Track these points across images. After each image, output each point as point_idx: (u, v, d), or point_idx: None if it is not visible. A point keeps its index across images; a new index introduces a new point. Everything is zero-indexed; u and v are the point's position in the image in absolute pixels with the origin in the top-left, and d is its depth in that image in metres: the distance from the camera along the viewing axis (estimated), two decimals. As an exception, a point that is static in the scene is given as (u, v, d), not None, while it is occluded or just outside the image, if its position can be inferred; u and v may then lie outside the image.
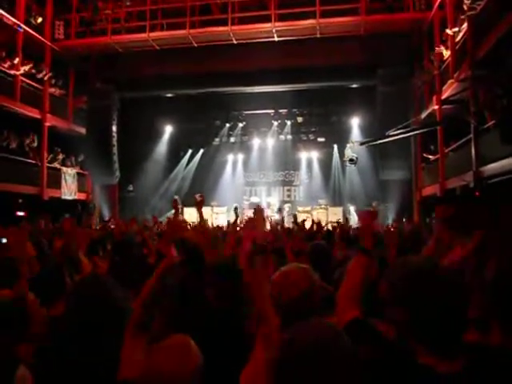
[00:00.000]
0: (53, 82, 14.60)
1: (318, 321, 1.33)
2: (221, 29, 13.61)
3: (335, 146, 17.84)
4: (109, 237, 5.85)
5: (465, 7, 10.06)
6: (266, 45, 13.98)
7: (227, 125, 18.54)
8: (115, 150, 15.02)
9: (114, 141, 15.00)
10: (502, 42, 8.43)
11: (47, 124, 14.04)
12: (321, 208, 16.58)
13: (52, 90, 14.53)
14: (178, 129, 18.45)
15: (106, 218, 14.96)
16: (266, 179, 19.20)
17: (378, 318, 2.19)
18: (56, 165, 14.59)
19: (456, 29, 10.81)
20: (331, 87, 14.95)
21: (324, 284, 2.18)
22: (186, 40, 13.90)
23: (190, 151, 19.01)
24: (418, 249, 3.49)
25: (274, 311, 1.54)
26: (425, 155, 14.27)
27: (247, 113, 18.01)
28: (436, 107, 12.40)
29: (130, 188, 17.15)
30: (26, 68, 13.00)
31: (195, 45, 14.06)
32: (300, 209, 16.67)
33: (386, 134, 11.61)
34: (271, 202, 17.97)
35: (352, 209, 16.00)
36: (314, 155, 18.66)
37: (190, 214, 13.22)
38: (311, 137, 18.34)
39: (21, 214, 12.57)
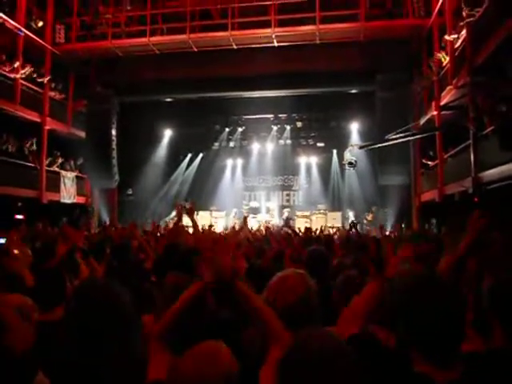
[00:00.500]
0: (53, 85, 14.63)
1: (322, 330, 1.33)
2: (221, 34, 13.65)
3: (334, 151, 17.87)
4: (107, 241, 5.84)
5: (464, 14, 10.11)
6: (265, 50, 14.02)
7: (227, 129, 18.57)
8: (114, 153, 15.01)
9: (114, 145, 14.99)
10: (500, 49, 8.46)
11: (47, 127, 14.04)
12: (320, 213, 16.57)
13: (52, 93, 14.54)
14: (178, 133, 18.47)
15: (105, 222, 14.94)
16: (265, 184, 19.20)
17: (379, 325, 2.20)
18: (55, 168, 14.59)
19: (455, 35, 10.86)
20: (331, 92, 15.00)
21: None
22: (186, 45, 13.93)
23: (189, 155, 19.02)
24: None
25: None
26: (424, 161, 14.29)
27: (247, 117, 18.03)
28: (435, 113, 12.44)
29: (130, 192, 17.14)
30: (26, 71, 13.01)
31: (195, 49, 14.10)
32: (299, 214, 16.67)
33: (386, 137, 11.63)
34: (270, 207, 17.97)
35: (351, 214, 16.01)
36: (313, 160, 18.68)
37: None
38: (310, 142, 18.38)
39: (20, 217, 12.55)
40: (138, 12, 14.74)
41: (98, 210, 16.23)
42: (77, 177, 15.57)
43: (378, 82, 13.54)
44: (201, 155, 19.09)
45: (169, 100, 16.09)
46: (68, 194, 14.93)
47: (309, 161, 18.76)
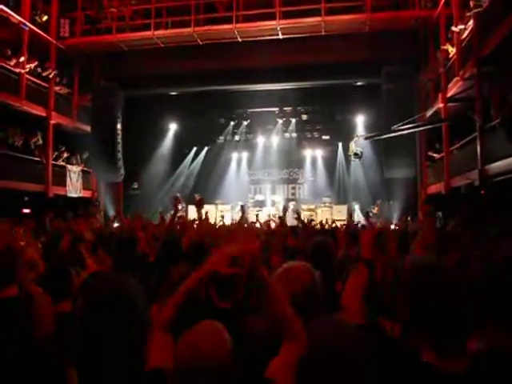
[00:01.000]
0: (58, 80, 14.66)
1: (337, 319, 1.33)
2: (225, 27, 13.60)
3: (340, 144, 17.79)
4: (113, 234, 5.86)
5: (471, 4, 10.02)
6: (270, 43, 13.96)
7: (232, 123, 18.54)
8: (120, 147, 15.05)
9: (119, 138, 15.02)
10: (508, 40, 8.36)
11: (52, 122, 14.09)
12: (325, 206, 16.54)
13: (57, 88, 14.58)
14: (183, 127, 18.46)
15: (111, 216, 15.01)
16: (270, 177, 19.17)
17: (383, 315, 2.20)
18: (61, 162, 14.66)
19: (462, 26, 10.74)
20: (336, 85, 14.90)
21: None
22: (191, 38, 13.90)
23: (194, 149, 19.01)
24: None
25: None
26: (430, 154, 14.22)
27: (252, 111, 17.98)
28: (441, 105, 12.35)
29: (135, 186, 17.20)
30: (32, 66, 13.04)
31: (200, 43, 14.07)
32: (304, 207, 16.65)
33: (392, 128, 11.57)
34: (276, 200, 17.96)
35: (357, 207, 15.98)
36: (319, 153, 18.62)
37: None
38: (316, 135, 18.32)
39: (26, 211, 12.64)
40: (143, 5, 14.71)
41: (104, 203, 16.30)
42: (83, 171, 15.63)
43: (383, 74, 13.44)
44: (206, 149, 19.07)
45: (174, 93, 16.08)
46: (74, 187, 15.01)
47: (314, 154, 18.71)
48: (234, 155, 19.26)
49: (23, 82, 12.66)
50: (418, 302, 1.36)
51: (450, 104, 12.06)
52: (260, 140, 18.85)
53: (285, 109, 17.86)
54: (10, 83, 12.25)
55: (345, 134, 16.78)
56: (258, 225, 8.64)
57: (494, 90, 9.66)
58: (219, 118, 18.43)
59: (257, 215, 11.26)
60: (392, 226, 10.74)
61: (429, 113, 13.69)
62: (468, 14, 10.36)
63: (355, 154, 12.73)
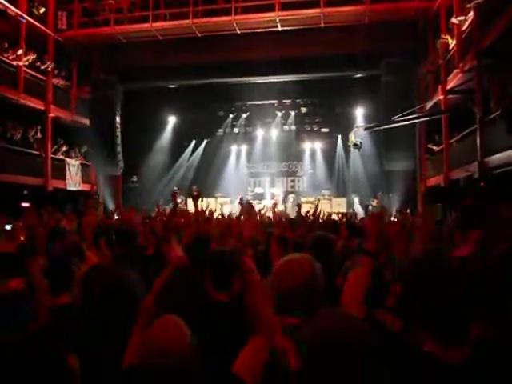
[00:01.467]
0: (56, 72, 14.58)
1: (340, 311, 1.33)
2: (224, 18, 13.51)
3: (339, 137, 17.77)
4: (113, 227, 5.86)
5: (471, -5, 9.95)
6: (269, 35, 13.89)
7: (231, 115, 18.50)
8: (119, 140, 15.01)
9: (118, 132, 14.98)
10: (508, 32, 8.32)
11: (51, 115, 14.05)
12: (324, 199, 16.54)
13: (55, 80, 14.51)
14: (182, 119, 18.43)
15: (111, 209, 15.01)
16: (269, 170, 19.16)
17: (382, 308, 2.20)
18: (60, 156, 14.63)
19: (462, 17, 10.69)
20: (335, 77, 14.83)
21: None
22: (190, 30, 13.82)
23: (193, 142, 18.97)
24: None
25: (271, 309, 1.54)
26: (429, 146, 14.21)
27: (251, 103, 17.93)
28: (441, 97, 12.32)
29: (134, 179, 17.18)
30: (29, 59, 12.97)
31: (198, 35, 13.99)
32: (304, 199, 16.64)
33: (392, 119, 11.56)
34: (275, 193, 17.96)
35: (356, 200, 15.99)
36: (318, 146, 18.59)
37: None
38: (315, 127, 18.29)
39: (26, 204, 12.63)
40: (141, -3, 14.61)
41: (103, 197, 16.30)
42: (82, 164, 15.61)
43: (383, 66, 13.39)
44: (205, 141, 19.06)
45: (172, 86, 16.03)
46: (73, 181, 15.00)
47: (313, 146, 18.68)
48: (233, 148, 19.24)
49: (21, 75, 12.60)
50: (418, 294, 1.37)
51: (449, 96, 12.03)
52: (259, 133, 18.82)
53: (284, 101, 17.81)
54: (8, 76, 12.20)
55: (344, 126, 16.73)
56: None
57: (493, 82, 9.63)
58: (218, 110, 18.39)
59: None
60: (392, 219, 10.74)
61: (428, 105, 13.66)
62: (468, 5, 10.29)
63: (355, 145, 12.75)
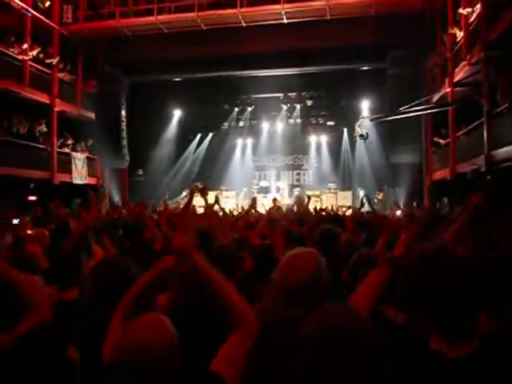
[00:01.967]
0: (61, 66, 14.59)
1: (343, 305, 1.34)
2: (229, 11, 13.43)
3: (345, 130, 17.70)
4: (118, 222, 5.89)
5: (479, -14, 9.82)
6: (275, 27, 13.79)
7: (236, 109, 18.49)
8: (124, 134, 15.05)
9: (123, 125, 15.01)
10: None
11: (56, 109, 14.06)
12: (330, 192, 16.51)
13: (61, 74, 14.52)
14: (187, 113, 18.44)
15: (117, 203, 15.08)
16: (275, 163, 19.16)
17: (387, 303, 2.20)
18: (66, 150, 14.68)
19: (469, 9, 10.57)
20: (341, 70, 14.75)
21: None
22: (195, 23, 13.76)
23: (199, 135, 19.00)
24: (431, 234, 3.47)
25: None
26: (435, 139, 14.12)
27: (256, 96, 17.88)
28: (448, 90, 12.21)
29: (140, 172, 17.23)
30: (35, 53, 12.97)
31: (204, 28, 13.92)
32: (309, 193, 16.61)
33: (398, 110, 11.49)
34: (280, 187, 17.96)
35: (362, 193, 15.95)
36: (324, 139, 18.55)
37: (200, 200, 13.27)
38: (321, 120, 18.24)
39: (32, 198, 12.71)
40: (146, -10, 14.55)
41: (109, 190, 16.36)
42: (87, 158, 15.65)
43: (389, 59, 13.29)
44: (210, 135, 19.06)
45: (178, 79, 16.01)
46: (79, 174, 15.05)
47: (319, 140, 18.64)
48: (239, 141, 19.24)
49: (26, 69, 12.61)
50: (424, 289, 1.37)
51: (456, 89, 11.92)
52: (264, 126, 18.79)
53: (289, 94, 17.76)
54: (14, 70, 12.21)
55: (350, 119, 16.64)
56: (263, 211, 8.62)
57: (501, 74, 9.54)
58: (224, 103, 18.37)
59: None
60: (398, 212, 10.73)
61: (435, 97, 13.54)
62: (475, -4, 10.18)
63: (361, 136, 12.72)
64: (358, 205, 13.72)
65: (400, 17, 12.88)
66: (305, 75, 15.41)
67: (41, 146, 13.42)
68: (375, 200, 15.43)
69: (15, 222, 5.27)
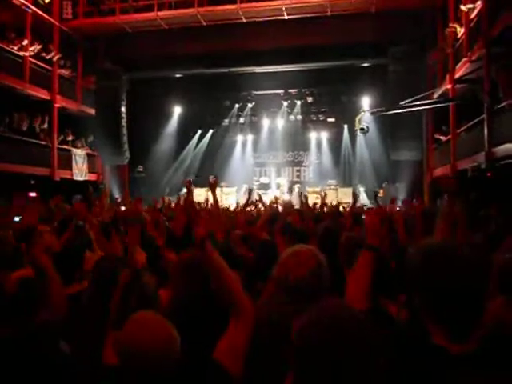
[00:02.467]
0: (62, 62, 14.57)
1: (337, 302, 1.34)
2: (230, 7, 13.39)
3: (345, 126, 17.68)
4: (120, 218, 5.88)
5: (480, -18, 9.79)
6: (275, 23, 13.76)
7: (236, 105, 18.45)
8: (125, 130, 15.05)
9: (124, 121, 15.01)
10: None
11: (57, 105, 14.06)
12: (330, 188, 16.51)
13: (61, 70, 14.50)
14: (188, 109, 18.41)
15: (117, 199, 15.06)
16: (275, 160, 19.15)
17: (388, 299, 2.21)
18: (66, 146, 14.68)
19: (470, 5, 10.53)
20: (342, 66, 14.71)
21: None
22: (195, 19, 13.72)
23: (199, 132, 18.98)
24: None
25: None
26: (436, 136, 14.10)
27: (256, 93, 17.85)
28: (449, 86, 12.19)
29: (140, 169, 17.21)
30: (35, 49, 12.95)
31: (204, 23, 13.89)
32: (309, 189, 16.63)
33: (399, 105, 11.49)
34: (281, 183, 17.95)
35: (362, 189, 15.95)
36: (324, 135, 18.54)
37: (199, 195, 13.30)
38: (321, 117, 18.20)
39: (33, 194, 12.71)
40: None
41: (110, 186, 16.36)
42: (88, 154, 15.66)
43: (390, 55, 13.27)
44: (211, 131, 19.05)
45: (178, 76, 15.97)
46: (80, 171, 15.06)
47: (319, 136, 18.63)
48: (239, 138, 19.23)
49: (27, 65, 12.60)
50: (428, 285, 1.37)
51: (457, 85, 11.90)
52: (265, 122, 18.77)
53: (290, 91, 17.71)
54: (14, 66, 12.20)
55: (350, 116, 16.60)
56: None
57: (502, 71, 9.51)
58: (224, 100, 18.33)
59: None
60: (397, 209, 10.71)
61: (436, 94, 13.52)
62: (477, -8, 10.15)
63: (361, 129, 12.76)
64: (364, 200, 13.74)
65: (401, 13, 12.86)
66: (305, 71, 15.38)
67: (41, 142, 13.42)
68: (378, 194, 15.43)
69: (16, 219, 5.24)
